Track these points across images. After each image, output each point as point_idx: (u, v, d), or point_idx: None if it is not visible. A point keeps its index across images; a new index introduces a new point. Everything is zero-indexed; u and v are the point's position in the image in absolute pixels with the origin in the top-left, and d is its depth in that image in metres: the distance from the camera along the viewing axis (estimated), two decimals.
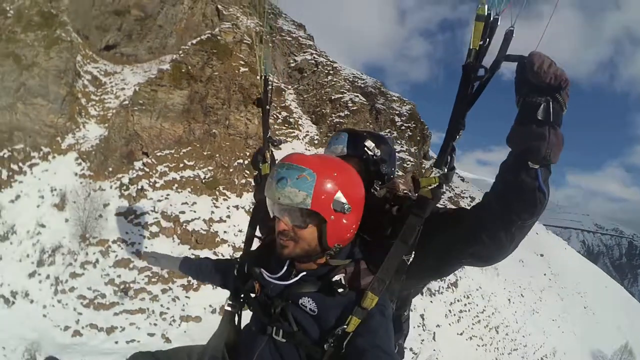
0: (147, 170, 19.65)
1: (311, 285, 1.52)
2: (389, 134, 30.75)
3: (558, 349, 23.78)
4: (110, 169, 19.51)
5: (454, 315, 22.43)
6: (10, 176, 18.16)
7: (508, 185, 1.41)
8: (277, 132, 23.88)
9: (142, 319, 16.26)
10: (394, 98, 32.32)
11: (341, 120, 25.52)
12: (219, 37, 22.40)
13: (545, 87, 1.29)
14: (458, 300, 23.21)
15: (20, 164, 18.63)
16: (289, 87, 26.12)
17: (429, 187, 1.48)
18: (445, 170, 1.49)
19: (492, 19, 1.35)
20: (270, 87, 2.42)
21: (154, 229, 18.23)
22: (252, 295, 1.70)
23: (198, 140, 20.82)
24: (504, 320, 23.78)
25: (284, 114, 24.62)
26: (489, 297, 24.41)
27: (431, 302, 21.96)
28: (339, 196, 1.45)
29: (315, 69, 27.87)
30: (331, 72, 27.73)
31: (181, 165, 20.19)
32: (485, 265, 1.64)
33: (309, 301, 1.50)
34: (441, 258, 1.67)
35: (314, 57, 28.14)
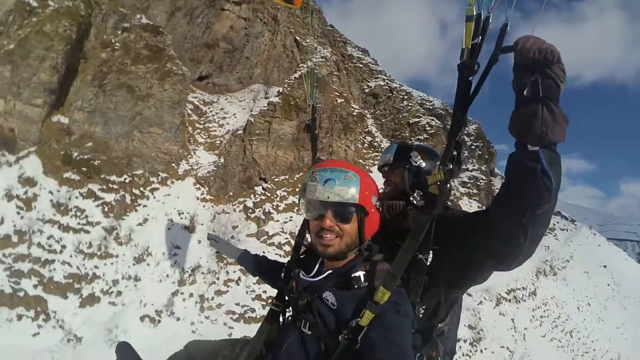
0: (269, 194, 20.67)
1: (334, 281, 1.66)
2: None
3: (622, 354, 24.98)
4: (231, 194, 20.49)
5: (537, 319, 23.84)
6: (133, 200, 18.99)
7: (512, 174, 1.39)
8: (365, 156, 25.12)
9: None
10: None
11: (421, 144, 26.75)
12: (315, 71, 23.46)
13: (534, 65, 1.26)
14: (538, 307, 24.53)
15: (142, 189, 19.51)
16: (366, 111, 27.45)
17: (436, 184, 1.57)
18: (451, 166, 1.56)
19: (484, 17, 1.41)
20: (315, 116, 2.65)
21: (287, 248, 19.16)
22: (291, 292, 1.84)
23: (307, 166, 21.87)
24: (576, 326, 25.14)
25: (369, 138, 25.90)
26: (562, 305, 25.80)
27: (517, 308, 23.43)
28: (376, 192, 1.68)
29: (390, 94, 29.19)
30: (405, 97, 29.09)
31: (297, 189, 21.27)
32: (505, 267, 1.56)
33: (330, 295, 1.61)
34: (463, 262, 1.66)
35: (387, 83, 29.53)
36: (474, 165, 29.58)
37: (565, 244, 30.81)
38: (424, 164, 2.19)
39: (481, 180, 28.54)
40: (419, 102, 30.05)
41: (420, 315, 1.80)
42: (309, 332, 1.60)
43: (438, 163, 1.61)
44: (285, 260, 2.27)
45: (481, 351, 19.57)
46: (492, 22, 1.39)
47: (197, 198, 20.06)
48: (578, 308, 26.20)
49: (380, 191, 1.96)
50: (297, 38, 27.54)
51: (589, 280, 28.64)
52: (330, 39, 29.92)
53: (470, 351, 19.22)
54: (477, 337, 19.91)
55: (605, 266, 30.65)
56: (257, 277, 2.67)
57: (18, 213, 16.97)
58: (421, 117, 28.29)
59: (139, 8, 23.39)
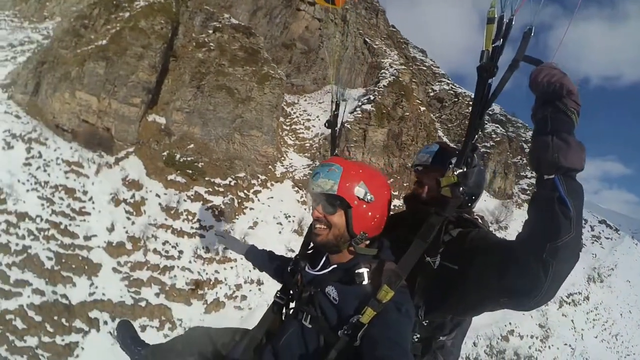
0: None
1: (338, 276, 1.64)
2: (519, 161, 32.55)
3: None
4: None
5: (590, 322, 24.76)
6: (240, 203, 18.63)
7: (532, 207, 1.34)
8: None
9: None
10: (519, 124, 34.10)
11: (488, 151, 26.65)
12: (400, 79, 23.47)
13: (545, 97, 1.27)
14: (591, 311, 25.44)
15: (246, 192, 19.18)
16: (432, 116, 27.40)
17: (449, 186, 1.53)
18: (465, 169, 1.52)
19: (507, 20, 1.36)
20: (336, 111, 2.56)
21: None
22: (296, 286, 1.84)
23: (396, 172, 22.05)
24: (620, 330, 26.06)
25: None
26: (609, 310, 26.77)
27: (575, 311, 24.43)
28: (362, 185, 1.60)
29: (456, 99, 29.17)
30: (471, 103, 28.47)
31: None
32: (521, 306, 1.44)
33: (333, 290, 1.60)
34: (477, 292, 1.54)
35: (452, 88, 29.48)
36: (531, 172, 29.88)
37: (610, 253, 31.30)
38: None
39: None
40: None
41: (425, 324, 1.76)
42: (310, 325, 1.61)
43: (451, 165, 1.54)
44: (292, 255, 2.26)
45: (549, 347, 20.83)
46: (515, 24, 1.35)
47: (298, 201, 19.90)
48: (621, 314, 27.10)
49: (409, 192, 1.97)
50: (367, 40, 27.20)
51: (630, 289, 29.41)
52: (394, 40, 29.70)
53: (541, 347, 20.54)
54: (545, 335, 21.14)
55: None
56: (265, 272, 2.64)
57: (128, 218, 16.39)
58: (487, 123, 28.32)
59: (223, 7, 22.86)
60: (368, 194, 1.60)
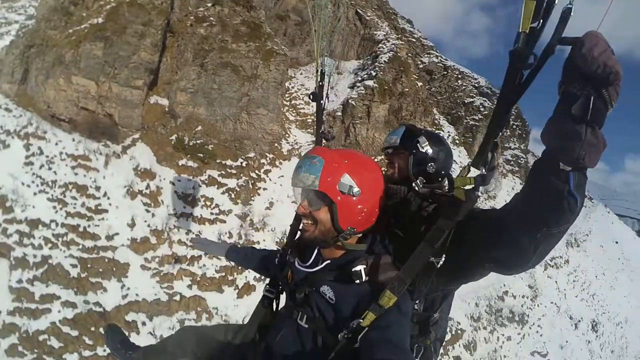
0: None
1: (333, 273, 1.60)
2: (504, 133, 33.56)
3: (629, 319, 28.38)
4: None
5: (570, 283, 26.96)
6: (253, 184, 18.35)
7: (536, 187, 1.28)
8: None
9: None
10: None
11: (476, 124, 27.40)
12: (398, 54, 23.44)
13: (592, 77, 1.08)
14: (571, 273, 27.67)
15: (257, 172, 18.89)
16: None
17: (463, 188, 1.41)
18: (484, 170, 1.36)
19: None
20: (322, 82, 2.46)
21: None
22: (286, 281, 1.79)
23: None
24: (595, 291, 28.59)
25: (430, 117, 26.27)
26: (585, 272, 29.18)
27: (557, 273, 26.64)
28: (346, 178, 1.53)
29: (445, 72, 29.51)
30: (459, 76, 29.34)
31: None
32: (508, 273, 1.51)
33: (328, 289, 1.56)
34: (465, 260, 1.58)
35: (441, 60, 29.76)
36: (515, 144, 31.12)
37: (585, 220, 33.58)
38: (430, 151, 2.12)
39: (522, 159, 30.28)
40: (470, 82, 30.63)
41: (418, 309, 1.85)
42: (306, 325, 1.59)
43: (468, 163, 1.45)
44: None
45: (537, 305, 22.72)
46: (557, 3, 1.15)
47: None
48: (596, 276, 29.75)
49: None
50: (359, 11, 26.78)
51: (603, 254, 32.19)
52: (384, 11, 29.46)
53: (531, 305, 22.38)
54: (534, 295, 23.05)
55: (617, 242, 34.30)
56: (250, 269, 2.68)
57: (147, 211, 15.76)
58: (474, 97, 28.98)
59: None
60: (354, 187, 1.54)
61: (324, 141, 2.42)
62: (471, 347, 18.45)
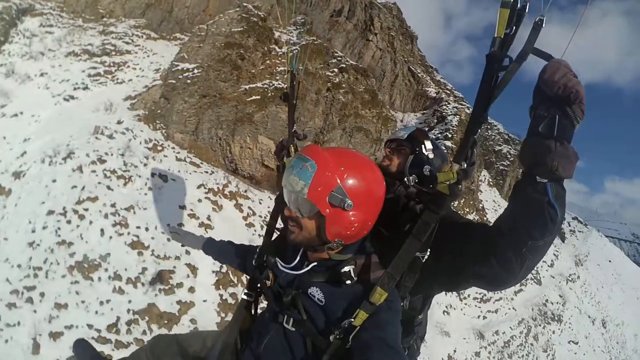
0: None
1: (321, 275, 1.52)
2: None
3: (624, 321, 34.39)
4: None
5: (584, 293, 32.56)
6: None
7: (517, 202, 1.34)
8: None
9: None
10: (518, 141, 36.04)
11: (505, 168, 32.50)
12: (462, 118, 26.21)
13: (555, 98, 1.21)
14: (582, 286, 33.11)
15: None
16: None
17: (447, 183, 1.42)
18: (465, 165, 1.41)
19: (519, 6, 1.25)
20: (295, 82, 2.44)
21: None
22: (267, 284, 1.70)
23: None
24: (600, 299, 34.28)
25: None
26: (590, 285, 34.44)
27: (575, 285, 32.30)
28: (338, 190, 1.40)
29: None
30: (488, 127, 32.85)
31: None
32: (493, 289, 1.54)
33: (317, 291, 1.49)
34: (450, 275, 1.59)
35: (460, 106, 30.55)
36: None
37: (584, 243, 39.65)
38: (431, 156, 2.09)
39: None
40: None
41: (404, 306, 1.77)
42: (293, 329, 1.50)
43: (450, 160, 1.44)
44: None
45: (567, 309, 28.23)
46: (528, 13, 1.25)
47: None
48: (597, 289, 35.24)
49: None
50: (411, 68, 30.15)
51: (600, 270, 38.14)
52: (426, 67, 33.17)
53: (563, 309, 27.83)
54: (563, 301, 28.37)
55: (610, 261, 41.16)
56: (226, 264, 2.65)
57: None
58: (502, 145, 34.37)
59: (328, 39, 25.20)
60: (346, 200, 1.40)
61: (296, 140, 2.37)
62: (533, 338, 24.80)
